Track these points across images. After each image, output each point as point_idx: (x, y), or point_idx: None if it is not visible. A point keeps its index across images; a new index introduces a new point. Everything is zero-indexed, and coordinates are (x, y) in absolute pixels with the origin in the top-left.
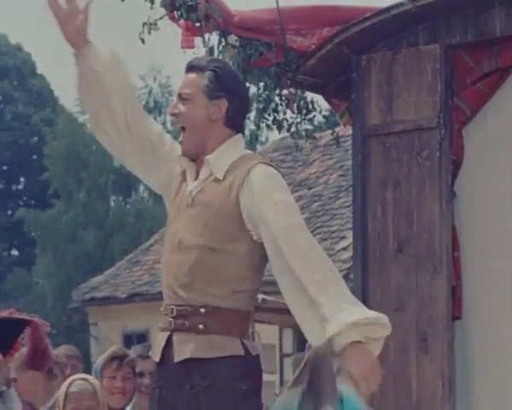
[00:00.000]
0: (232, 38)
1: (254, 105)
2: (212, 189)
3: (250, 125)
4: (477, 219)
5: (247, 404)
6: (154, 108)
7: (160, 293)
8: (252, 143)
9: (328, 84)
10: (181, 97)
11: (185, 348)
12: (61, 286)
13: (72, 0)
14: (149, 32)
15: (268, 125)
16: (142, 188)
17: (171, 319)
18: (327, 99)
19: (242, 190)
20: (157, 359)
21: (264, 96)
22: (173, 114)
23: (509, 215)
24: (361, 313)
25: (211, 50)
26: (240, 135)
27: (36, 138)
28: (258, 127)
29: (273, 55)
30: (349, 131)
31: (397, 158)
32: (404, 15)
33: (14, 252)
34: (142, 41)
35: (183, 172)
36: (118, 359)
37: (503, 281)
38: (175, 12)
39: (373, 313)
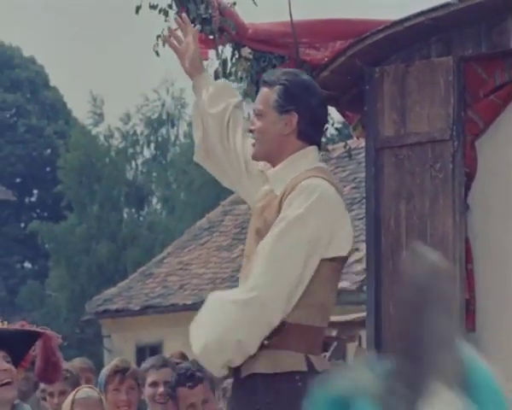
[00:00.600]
0: (246, 51)
1: None
2: (271, 204)
3: None
4: (490, 232)
5: None
6: (167, 121)
7: (173, 305)
8: None
9: (341, 96)
10: (255, 113)
11: (251, 364)
12: (75, 298)
13: (188, 33)
14: (164, 45)
15: None
16: (155, 200)
17: None
18: (340, 111)
19: (283, 203)
20: (230, 372)
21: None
22: (250, 131)
23: None
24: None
25: (224, 63)
26: (312, 147)
27: (49, 151)
28: None
29: (286, 67)
30: (362, 143)
31: (410, 170)
32: (417, 28)
33: (28, 264)
34: (157, 53)
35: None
36: (120, 372)
37: None
38: None
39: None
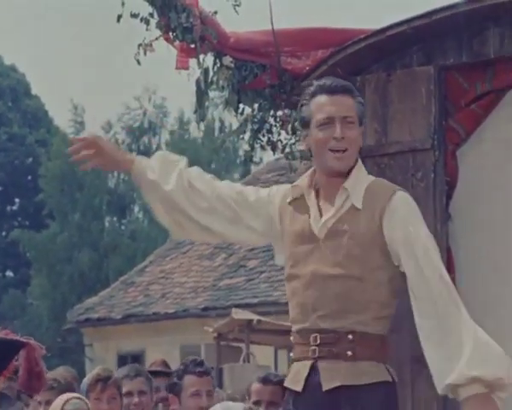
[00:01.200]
0: (227, 60)
1: (249, 126)
2: (352, 218)
3: (244, 146)
4: (472, 241)
5: None
6: (149, 129)
7: (155, 314)
8: (246, 163)
9: None
10: (345, 121)
11: (334, 376)
12: (56, 307)
13: (90, 143)
14: (145, 54)
15: (262, 146)
16: (136, 209)
17: (314, 347)
18: None
19: (385, 216)
20: (299, 388)
21: (258, 117)
22: (338, 138)
23: (505, 237)
24: (488, 368)
25: (206, 72)
26: (360, 160)
27: (30, 159)
28: (253, 148)
29: (268, 76)
30: None
31: (391, 179)
32: (399, 37)
33: (9, 273)
34: (138, 62)
35: (295, 200)
36: (102, 381)
37: (500, 302)
38: (170, 33)
39: (501, 371)
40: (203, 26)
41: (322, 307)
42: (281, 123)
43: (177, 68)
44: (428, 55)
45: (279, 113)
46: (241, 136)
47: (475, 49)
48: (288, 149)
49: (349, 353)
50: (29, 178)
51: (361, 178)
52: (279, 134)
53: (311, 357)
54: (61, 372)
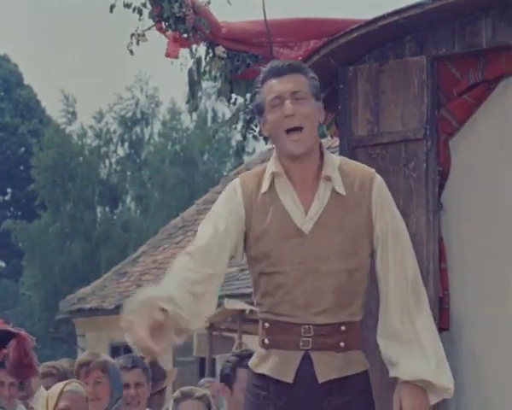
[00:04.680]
0: (220, 50)
1: (241, 116)
2: (337, 207)
3: (237, 136)
4: (464, 231)
5: None
6: (141, 119)
7: None
8: (239, 154)
9: None
10: (294, 97)
11: (330, 368)
12: (48, 297)
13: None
14: (138, 43)
15: (255, 136)
16: (129, 199)
17: (306, 339)
18: None
19: (373, 204)
20: (289, 379)
21: (250, 107)
22: (289, 116)
23: (497, 226)
24: (437, 375)
25: (198, 62)
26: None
27: (23, 149)
28: (245, 138)
29: (260, 66)
30: (336, 142)
31: (383, 169)
32: (391, 27)
33: (1, 263)
34: (131, 52)
35: (265, 194)
36: (85, 365)
37: (492, 292)
38: (163, 23)
39: (447, 381)
40: (196, 16)
41: (317, 304)
42: None
43: (166, 56)
44: (421, 46)
45: None
46: (234, 126)
47: (468, 39)
48: None
49: (342, 344)
50: (21, 168)
51: (333, 161)
52: None
53: (302, 348)
54: (61, 362)
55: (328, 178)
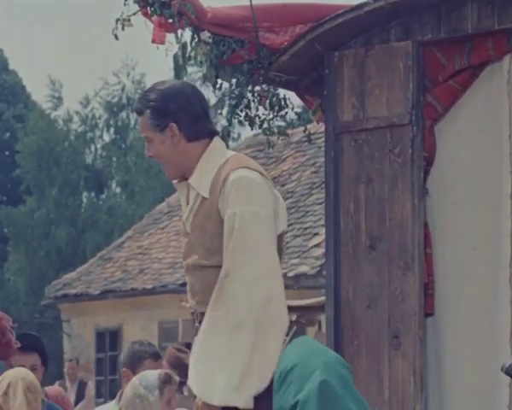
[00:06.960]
0: (205, 35)
1: (227, 101)
2: (203, 209)
3: (222, 121)
4: (449, 216)
5: None
6: (128, 105)
7: (133, 290)
8: (224, 139)
9: (300, 80)
10: (146, 140)
11: None
12: (34, 283)
13: None
14: (123, 29)
15: (240, 122)
16: (114, 185)
17: (197, 325)
18: (299, 96)
19: (220, 200)
20: None
21: (236, 92)
22: (150, 157)
23: (481, 212)
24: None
25: (184, 47)
26: (214, 139)
27: (8, 134)
28: (230, 123)
29: (246, 51)
30: (321, 127)
31: (369, 155)
32: (377, 12)
33: None
34: (116, 37)
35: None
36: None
37: (475, 278)
38: (148, 8)
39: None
40: (181, 1)
41: (197, 294)
42: (259, 98)
43: (152, 42)
44: (406, 31)
45: (257, 88)
46: (219, 111)
47: (453, 25)
48: (265, 125)
49: None
50: (6, 153)
51: (208, 165)
52: (257, 109)
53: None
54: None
55: (192, 185)
